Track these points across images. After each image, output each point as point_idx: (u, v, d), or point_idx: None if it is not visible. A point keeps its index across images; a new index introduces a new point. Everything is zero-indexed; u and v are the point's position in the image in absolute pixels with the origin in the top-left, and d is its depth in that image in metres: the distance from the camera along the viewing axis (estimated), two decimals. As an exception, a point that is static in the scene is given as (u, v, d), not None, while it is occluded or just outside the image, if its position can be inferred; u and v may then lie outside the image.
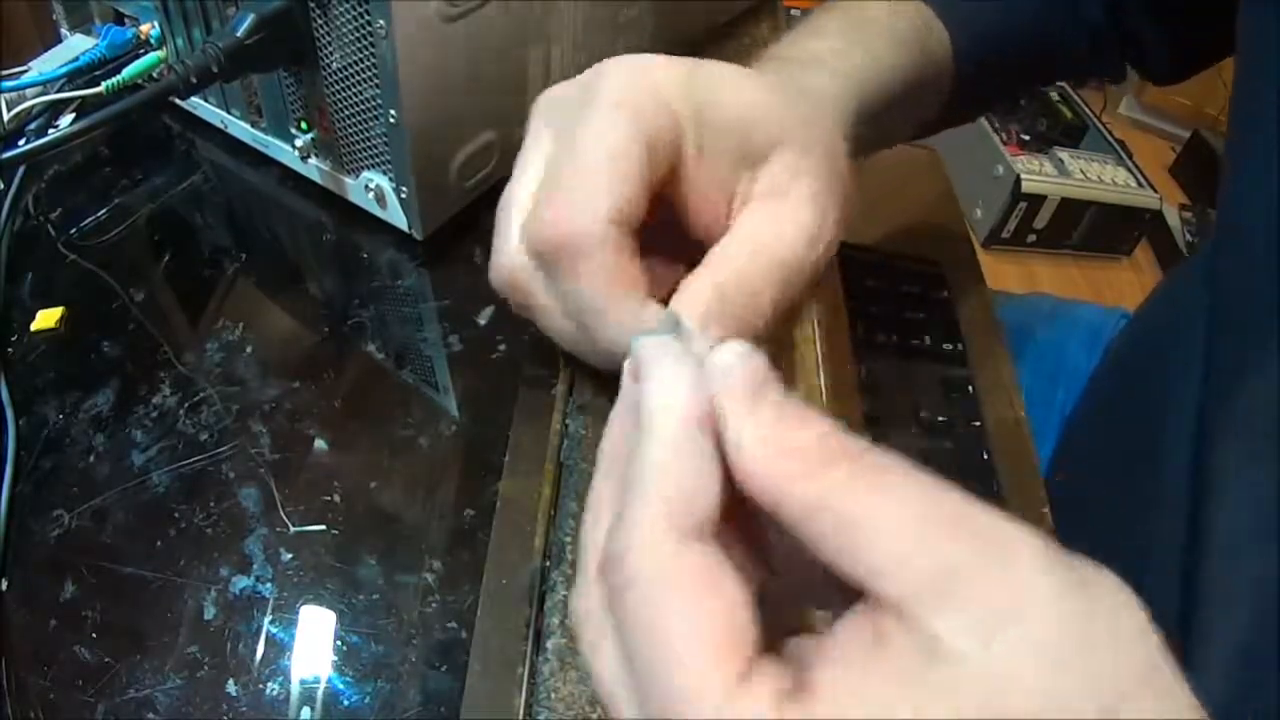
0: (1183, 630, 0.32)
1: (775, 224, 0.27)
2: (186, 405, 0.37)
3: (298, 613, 0.31)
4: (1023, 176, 1.75)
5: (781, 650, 0.18)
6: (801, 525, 0.17)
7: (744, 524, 0.19)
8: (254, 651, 0.30)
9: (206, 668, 0.29)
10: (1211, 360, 0.36)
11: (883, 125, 0.38)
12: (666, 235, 0.29)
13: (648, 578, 0.16)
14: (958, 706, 0.15)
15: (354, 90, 0.40)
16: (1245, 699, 0.29)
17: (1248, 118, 0.35)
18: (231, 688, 0.29)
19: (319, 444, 0.36)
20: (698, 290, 0.26)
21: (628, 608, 0.17)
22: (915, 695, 0.15)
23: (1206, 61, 0.46)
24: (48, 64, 0.48)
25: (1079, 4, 0.43)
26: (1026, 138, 1.85)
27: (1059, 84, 2.03)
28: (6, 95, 0.46)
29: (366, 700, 0.29)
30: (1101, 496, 0.44)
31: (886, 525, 0.16)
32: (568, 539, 0.31)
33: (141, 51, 0.46)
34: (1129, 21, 0.43)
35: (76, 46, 0.49)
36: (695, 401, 0.19)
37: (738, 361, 0.19)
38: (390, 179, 0.42)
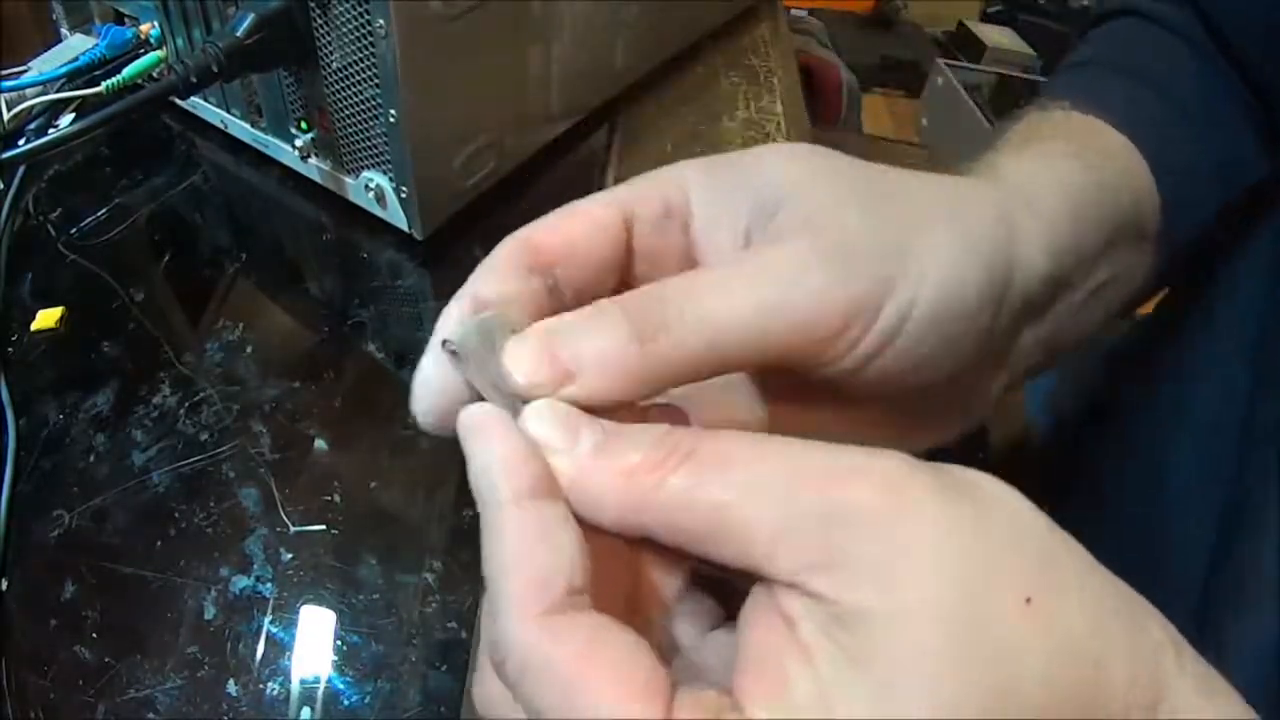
0: (1200, 630, 0.32)
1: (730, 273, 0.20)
2: (186, 405, 0.37)
3: (298, 613, 0.31)
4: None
5: (678, 670, 0.18)
6: (671, 534, 0.17)
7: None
8: (254, 651, 0.30)
9: (206, 668, 0.29)
10: (1260, 359, 0.36)
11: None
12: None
13: (535, 666, 0.16)
14: (886, 665, 0.14)
15: (354, 90, 0.40)
16: (1268, 702, 0.29)
17: None
18: (231, 688, 0.29)
19: (319, 444, 0.36)
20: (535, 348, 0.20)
21: (528, 698, 0.16)
22: (840, 672, 0.15)
23: None
24: (48, 64, 0.48)
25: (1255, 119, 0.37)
26: (1026, 137, 1.85)
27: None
28: (6, 95, 0.46)
29: (366, 700, 0.29)
30: (1114, 508, 0.44)
31: (751, 503, 0.16)
32: (568, 539, 0.32)
33: (141, 51, 0.46)
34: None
35: (76, 46, 0.49)
36: (519, 471, 0.18)
37: (545, 408, 0.18)
38: (390, 179, 0.42)
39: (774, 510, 0.16)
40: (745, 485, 0.16)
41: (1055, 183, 0.26)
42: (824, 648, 0.15)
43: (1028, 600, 0.15)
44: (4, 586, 0.31)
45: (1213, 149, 0.35)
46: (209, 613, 0.31)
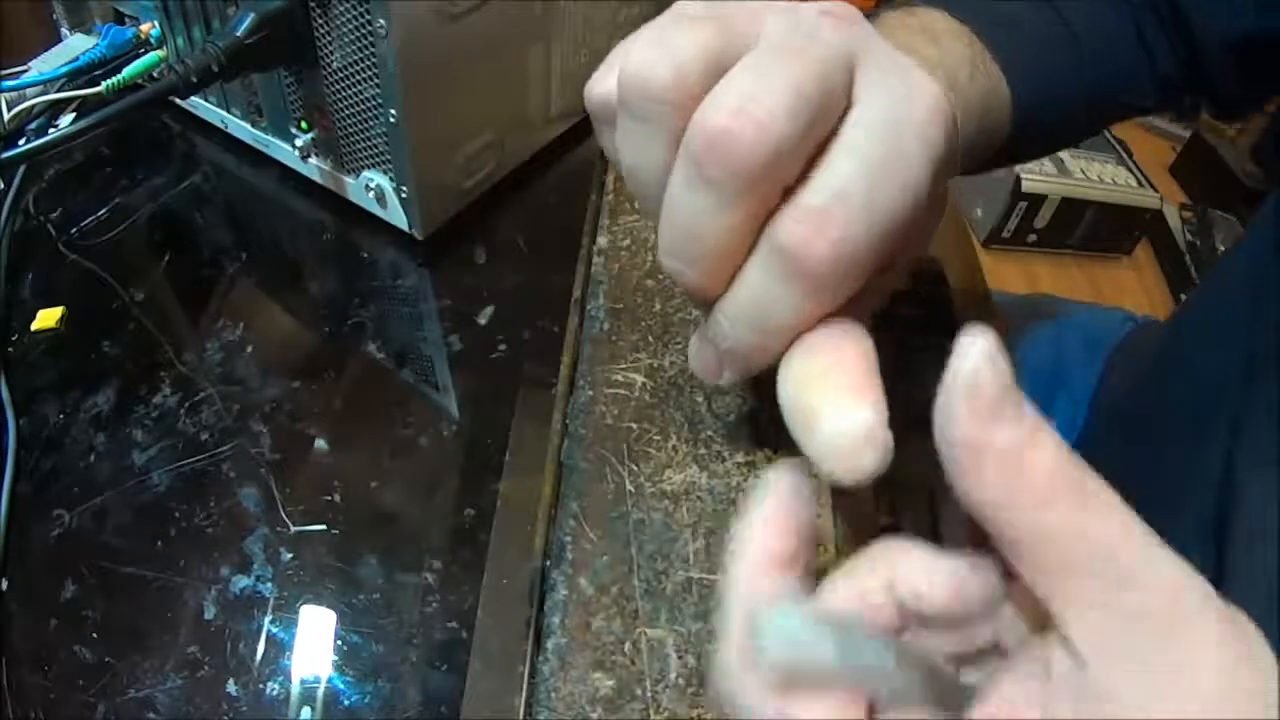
0: None
1: None
2: (186, 405, 0.37)
3: (298, 613, 0.31)
4: (1023, 176, 1.74)
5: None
6: (1021, 549, 0.17)
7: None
8: (254, 651, 0.30)
9: (206, 668, 0.29)
10: (1251, 360, 0.36)
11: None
12: None
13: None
14: None
15: (354, 90, 0.40)
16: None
17: None
18: (231, 688, 0.29)
19: (319, 444, 0.36)
20: None
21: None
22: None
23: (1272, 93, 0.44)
24: (48, 64, 0.48)
25: (1155, 62, 0.40)
26: (1027, 137, 1.85)
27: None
28: (6, 95, 0.46)
29: (366, 700, 0.29)
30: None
31: (1087, 568, 0.16)
32: (568, 539, 0.31)
33: (141, 51, 0.46)
34: (1208, 74, 0.41)
35: (76, 46, 0.49)
36: (766, 550, 0.19)
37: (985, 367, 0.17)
38: (390, 179, 0.42)
39: (1106, 579, 0.16)
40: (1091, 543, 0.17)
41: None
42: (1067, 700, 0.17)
43: None
44: (4, 586, 0.31)
45: (1069, 51, 0.38)
46: (209, 613, 0.31)
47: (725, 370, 0.25)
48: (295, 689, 0.29)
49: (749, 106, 0.19)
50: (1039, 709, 0.17)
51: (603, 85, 0.24)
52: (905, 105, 0.21)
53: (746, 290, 0.22)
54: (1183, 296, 1.80)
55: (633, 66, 0.21)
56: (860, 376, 0.21)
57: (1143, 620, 0.16)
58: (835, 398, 0.21)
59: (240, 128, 0.48)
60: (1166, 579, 0.16)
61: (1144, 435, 0.46)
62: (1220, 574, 0.34)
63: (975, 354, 0.17)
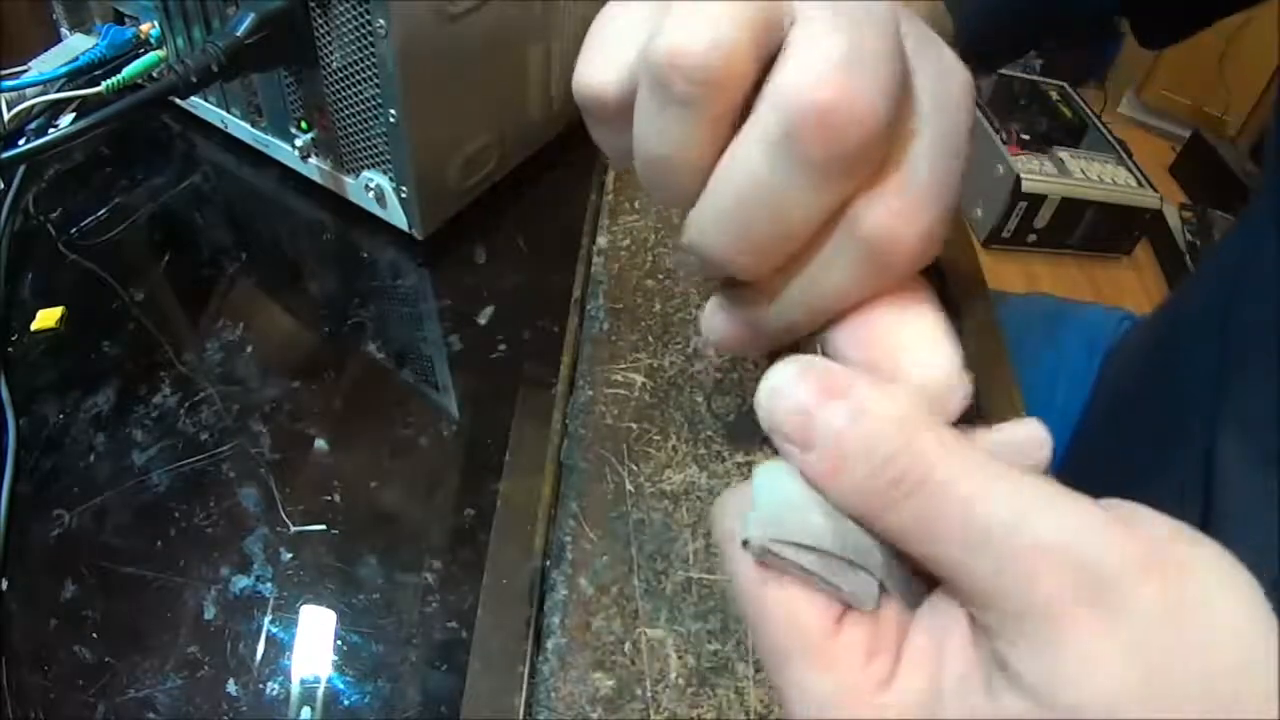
0: None
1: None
2: (186, 405, 0.37)
3: (298, 613, 0.31)
4: (1023, 176, 1.75)
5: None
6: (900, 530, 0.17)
7: None
8: (254, 651, 0.30)
9: (206, 668, 0.29)
10: (1223, 370, 0.36)
11: None
12: None
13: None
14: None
15: (354, 90, 0.40)
16: None
17: None
18: (231, 688, 0.29)
19: (319, 444, 0.36)
20: None
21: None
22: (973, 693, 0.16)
23: (1201, 25, 0.45)
24: (48, 64, 0.48)
25: None
26: (1026, 137, 1.85)
27: (1059, 83, 2.03)
28: (6, 95, 0.46)
29: (366, 700, 0.29)
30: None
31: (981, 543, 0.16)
32: (568, 539, 0.31)
33: (141, 51, 0.46)
34: None
35: (76, 46, 0.49)
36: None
37: (808, 363, 0.18)
38: (390, 179, 0.42)
39: (992, 561, 0.16)
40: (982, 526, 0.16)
41: None
42: (979, 670, 0.16)
43: None
44: (4, 586, 0.31)
45: None
46: (209, 613, 0.31)
47: (762, 344, 0.23)
48: (295, 689, 0.29)
49: (854, 79, 0.18)
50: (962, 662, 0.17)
51: (599, 74, 0.21)
52: (951, 79, 0.21)
53: (822, 275, 0.21)
54: (1182, 296, 1.80)
55: (671, 45, 0.18)
56: (938, 324, 0.21)
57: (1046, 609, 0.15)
58: (918, 343, 0.20)
59: (240, 128, 0.48)
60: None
61: (1135, 433, 0.46)
62: None
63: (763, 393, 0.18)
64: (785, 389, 0.18)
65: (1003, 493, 0.16)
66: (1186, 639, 0.15)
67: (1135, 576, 0.15)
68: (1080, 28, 0.45)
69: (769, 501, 0.18)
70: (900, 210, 0.19)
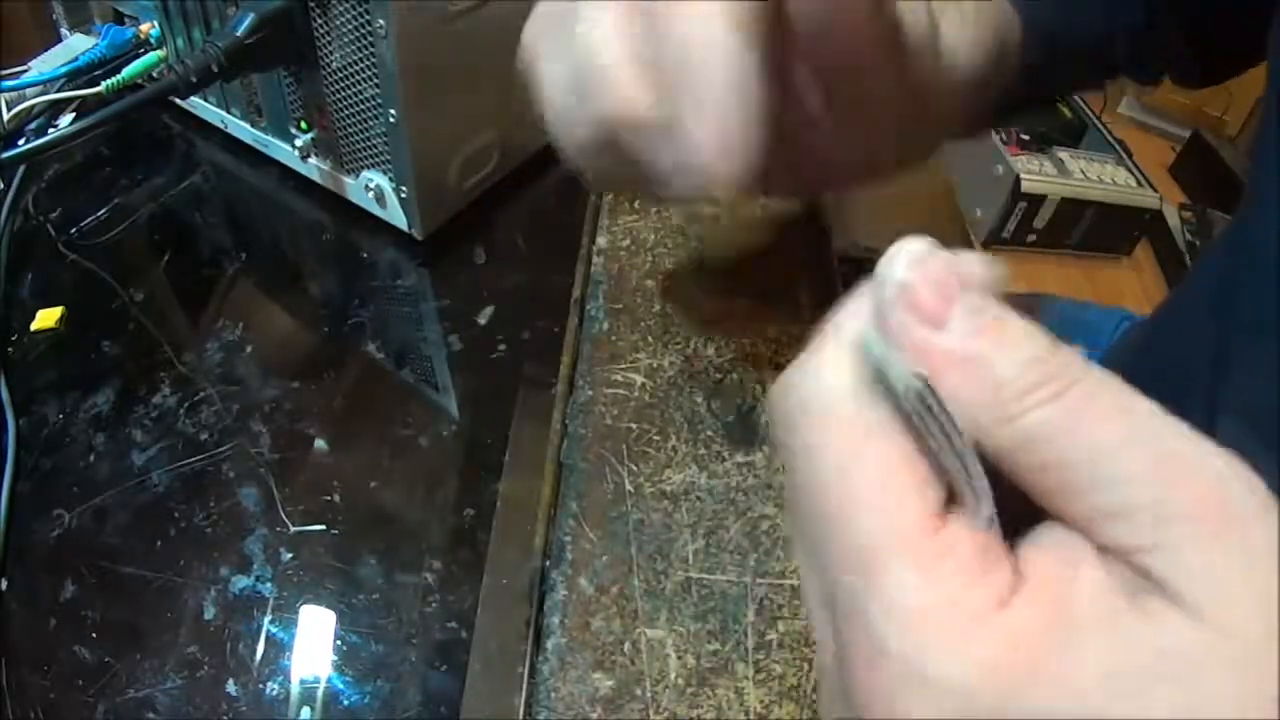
0: None
1: None
2: (186, 405, 0.37)
3: (298, 613, 0.31)
4: (1022, 176, 1.75)
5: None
6: (1013, 459, 0.15)
7: None
8: (254, 651, 0.30)
9: (206, 668, 0.29)
10: (1223, 358, 0.36)
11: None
12: None
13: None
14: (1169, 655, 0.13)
15: (354, 90, 0.40)
16: None
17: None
18: (231, 688, 0.29)
19: (319, 444, 0.36)
20: None
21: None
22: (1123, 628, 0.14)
23: (1236, 70, 0.45)
24: (48, 64, 0.48)
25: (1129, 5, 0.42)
26: (1026, 137, 1.85)
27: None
28: (6, 95, 0.46)
29: (366, 700, 0.29)
30: None
31: (1108, 466, 0.14)
32: (567, 539, 0.32)
33: (141, 51, 0.46)
34: (1162, 27, 0.42)
35: (76, 46, 0.49)
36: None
37: (927, 256, 0.16)
38: (390, 179, 0.42)
39: (1131, 485, 0.14)
40: (1104, 450, 0.15)
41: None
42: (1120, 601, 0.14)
43: None
44: (4, 586, 0.31)
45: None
46: (209, 613, 0.31)
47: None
48: (295, 689, 0.29)
49: None
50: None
51: (632, 90, 0.23)
52: None
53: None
54: (1182, 296, 1.80)
55: None
56: None
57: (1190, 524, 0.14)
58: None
59: (240, 128, 0.48)
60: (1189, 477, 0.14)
61: None
62: None
63: (902, 260, 0.16)
64: (926, 257, 0.16)
65: (1144, 410, 0.15)
66: None
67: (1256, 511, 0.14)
68: (1115, 71, 0.44)
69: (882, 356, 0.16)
70: None
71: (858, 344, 0.16)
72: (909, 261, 0.16)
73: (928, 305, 0.15)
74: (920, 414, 0.15)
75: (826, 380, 0.16)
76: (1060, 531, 0.15)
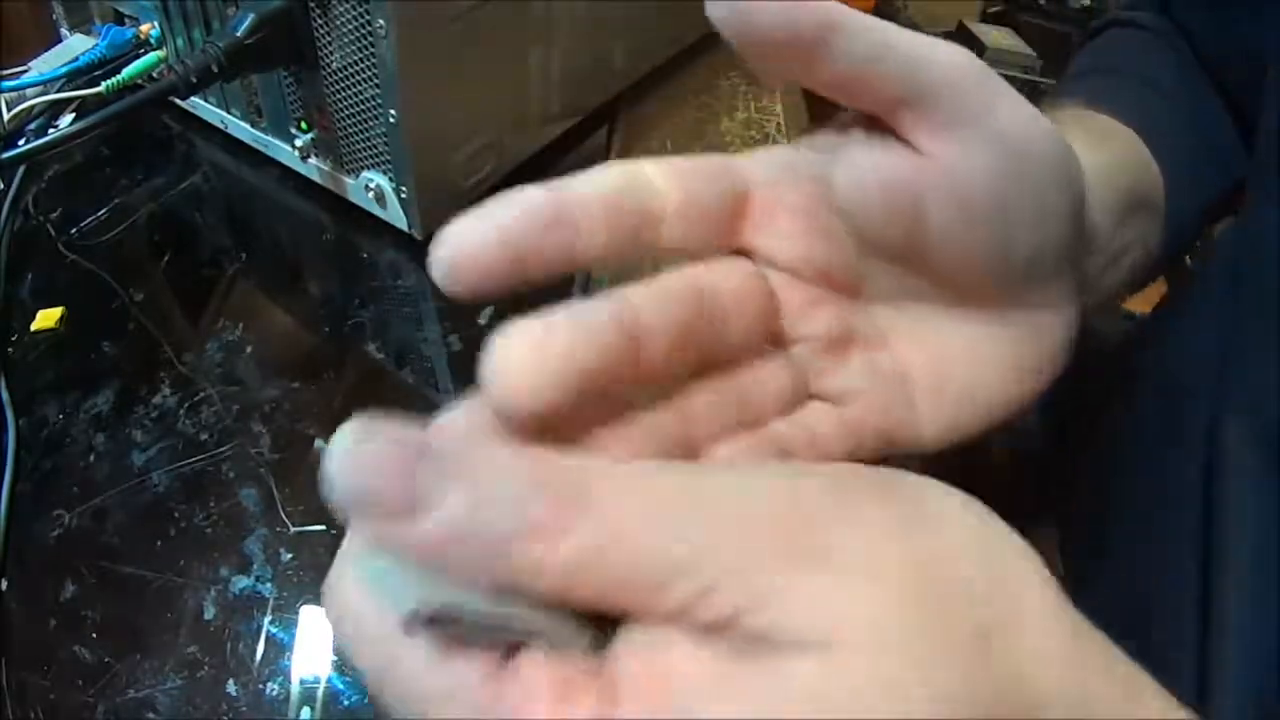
0: (1202, 661, 0.32)
1: None
2: (186, 405, 0.37)
3: (298, 613, 0.31)
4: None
5: None
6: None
7: None
8: (254, 651, 0.30)
9: (206, 668, 0.29)
10: (1227, 349, 0.36)
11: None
12: None
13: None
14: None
15: (354, 90, 0.40)
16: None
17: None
18: (231, 688, 0.29)
19: (319, 444, 0.36)
20: None
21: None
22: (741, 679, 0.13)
23: None
24: (48, 64, 0.48)
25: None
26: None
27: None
28: (6, 95, 0.46)
29: (366, 700, 0.29)
30: (1113, 517, 0.44)
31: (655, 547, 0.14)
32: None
33: (141, 51, 0.46)
34: None
35: (76, 46, 0.49)
36: None
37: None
38: (390, 179, 0.42)
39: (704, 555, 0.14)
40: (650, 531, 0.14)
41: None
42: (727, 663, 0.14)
43: (976, 635, 0.14)
44: (4, 586, 0.31)
45: (1206, 141, 0.38)
46: (209, 613, 0.31)
47: None
48: (295, 689, 0.29)
49: None
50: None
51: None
52: None
53: None
54: (1183, 296, 1.80)
55: None
56: None
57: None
58: None
59: (240, 128, 0.48)
60: None
61: (1136, 418, 0.46)
62: (1212, 582, 0.33)
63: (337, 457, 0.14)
64: (366, 456, 0.14)
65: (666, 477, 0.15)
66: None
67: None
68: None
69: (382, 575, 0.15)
70: None
71: (359, 564, 0.15)
72: (343, 456, 0.14)
73: (387, 495, 0.14)
74: (441, 619, 0.14)
75: (344, 598, 0.15)
76: (639, 631, 0.14)
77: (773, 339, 0.20)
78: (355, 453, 0.14)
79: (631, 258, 0.19)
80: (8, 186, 0.45)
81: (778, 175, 0.20)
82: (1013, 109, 0.19)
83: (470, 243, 0.18)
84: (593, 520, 0.14)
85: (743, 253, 0.20)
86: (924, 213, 0.18)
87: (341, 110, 0.41)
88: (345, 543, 0.15)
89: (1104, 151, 0.29)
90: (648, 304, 0.18)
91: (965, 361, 0.21)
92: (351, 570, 0.15)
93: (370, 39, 0.37)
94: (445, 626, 0.14)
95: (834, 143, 0.20)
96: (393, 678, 0.14)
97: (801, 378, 0.20)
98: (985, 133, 0.18)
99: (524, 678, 0.14)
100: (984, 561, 0.15)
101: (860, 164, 0.18)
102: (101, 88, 0.44)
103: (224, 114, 0.48)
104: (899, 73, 0.18)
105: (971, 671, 0.14)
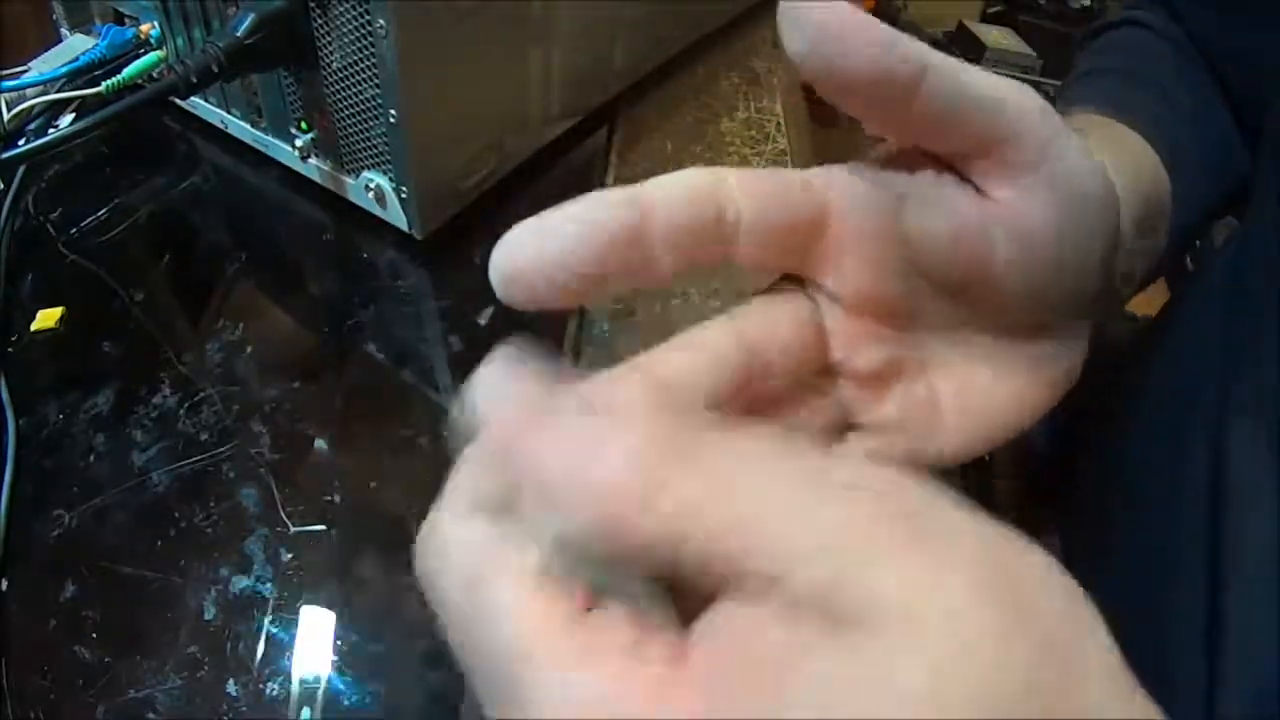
0: (1210, 663, 0.32)
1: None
2: (186, 405, 0.37)
3: (298, 613, 0.31)
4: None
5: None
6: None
7: None
8: (254, 651, 0.30)
9: (206, 668, 0.29)
10: (1232, 350, 0.36)
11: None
12: None
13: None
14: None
15: (354, 90, 0.40)
16: None
17: None
18: (231, 688, 0.29)
19: (319, 444, 0.36)
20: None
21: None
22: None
23: None
24: (48, 64, 0.48)
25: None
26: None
27: (1058, 84, 2.03)
28: (6, 95, 0.46)
29: (366, 700, 0.29)
30: (1117, 520, 0.44)
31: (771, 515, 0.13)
32: (568, 539, 0.31)
33: (141, 51, 0.46)
34: None
35: (76, 46, 0.49)
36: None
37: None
38: (390, 179, 0.42)
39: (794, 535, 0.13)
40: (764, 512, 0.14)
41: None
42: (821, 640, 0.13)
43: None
44: (4, 586, 0.31)
45: (1209, 143, 0.38)
46: (209, 613, 0.31)
47: None
48: (295, 689, 0.29)
49: None
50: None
51: None
52: None
53: None
54: (1182, 296, 1.80)
55: None
56: None
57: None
58: None
59: (240, 128, 0.48)
60: None
61: (1142, 420, 0.46)
62: (1221, 580, 0.33)
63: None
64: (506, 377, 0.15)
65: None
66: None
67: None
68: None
69: None
70: None
71: (475, 501, 0.17)
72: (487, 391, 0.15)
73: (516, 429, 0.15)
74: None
75: (450, 533, 0.16)
76: (717, 608, 0.14)
77: (820, 371, 0.20)
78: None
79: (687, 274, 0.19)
80: (8, 186, 0.45)
81: (855, 206, 0.20)
82: (1070, 148, 0.19)
83: (535, 259, 0.18)
84: (703, 469, 0.14)
85: (802, 277, 0.20)
86: (991, 255, 0.19)
87: (341, 110, 0.41)
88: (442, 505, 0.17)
89: (1126, 164, 0.30)
90: (689, 379, 0.19)
91: (990, 383, 0.22)
92: (449, 515, 0.16)
93: (370, 39, 0.37)
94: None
95: (902, 180, 0.20)
96: (479, 608, 0.15)
97: (843, 412, 0.21)
98: (1047, 175, 0.19)
99: (605, 624, 0.14)
100: (1064, 598, 0.14)
101: (933, 210, 0.19)
102: (101, 88, 0.44)
103: (224, 114, 0.48)
104: (981, 119, 0.18)
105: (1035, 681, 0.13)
